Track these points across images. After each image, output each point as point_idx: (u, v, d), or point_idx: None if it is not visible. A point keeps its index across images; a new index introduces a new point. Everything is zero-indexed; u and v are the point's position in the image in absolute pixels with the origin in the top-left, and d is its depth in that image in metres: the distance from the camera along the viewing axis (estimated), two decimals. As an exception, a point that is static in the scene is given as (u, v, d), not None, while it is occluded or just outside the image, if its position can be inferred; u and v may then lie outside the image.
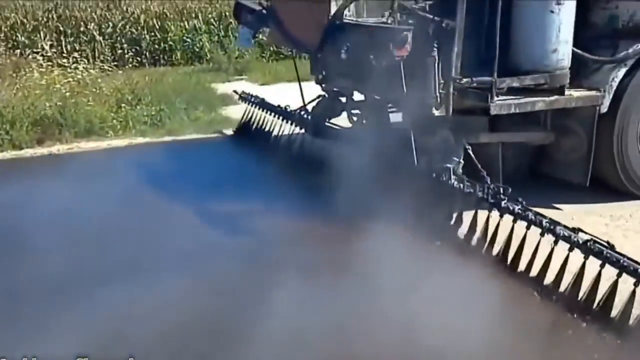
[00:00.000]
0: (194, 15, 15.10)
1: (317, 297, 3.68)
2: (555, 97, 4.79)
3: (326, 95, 6.22)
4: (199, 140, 7.63)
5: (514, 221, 4.04)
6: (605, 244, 3.55)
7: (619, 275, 3.42)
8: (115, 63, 12.47)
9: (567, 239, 3.71)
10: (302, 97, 6.35)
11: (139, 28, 14.36)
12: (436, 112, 4.68)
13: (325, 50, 5.01)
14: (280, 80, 10.92)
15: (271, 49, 13.66)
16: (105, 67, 10.27)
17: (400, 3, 4.54)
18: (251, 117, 7.38)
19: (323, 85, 6.06)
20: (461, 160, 4.70)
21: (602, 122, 5.00)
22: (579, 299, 3.60)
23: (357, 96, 6.04)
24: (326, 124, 6.27)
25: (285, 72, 11.12)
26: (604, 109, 4.98)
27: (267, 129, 6.98)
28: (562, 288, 3.70)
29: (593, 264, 3.57)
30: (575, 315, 3.54)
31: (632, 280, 3.36)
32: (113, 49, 13.90)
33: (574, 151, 5.14)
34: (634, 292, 3.35)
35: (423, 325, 3.31)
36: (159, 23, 14.56)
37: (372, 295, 3.72)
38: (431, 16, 4.50)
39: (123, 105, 8.37)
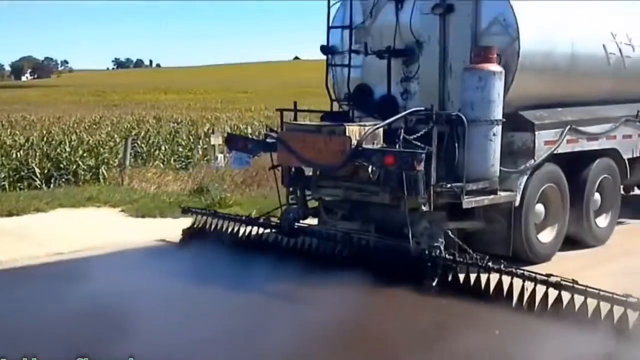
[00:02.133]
0: None
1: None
2: (493, 196, 7.17)
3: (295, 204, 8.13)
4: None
5: (500, 276, 6.20)
6: (571, 280, 5.80)
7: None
8: None
9: (544, 282, 5.91)
10: (279, 202, 8.15)
11: None
12: (424, 208, 6.79)
13: (345, 168, 6.95)
14: (26, 211, 10.02)
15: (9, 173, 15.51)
16: None
17: (404, 136, 6.67)
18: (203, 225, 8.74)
19: (298, 194, 8.00)
20: (443, 241, 6.82)
21: (515, 213, 7.44)
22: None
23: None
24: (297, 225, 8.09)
25: (23, 201, 10.49)
26: (517, 203, 7.43)
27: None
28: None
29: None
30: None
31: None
32: None
33: (497, 233, 7.49)
34: None
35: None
36: None
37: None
38: (419, 144, 6.70)
39: None
